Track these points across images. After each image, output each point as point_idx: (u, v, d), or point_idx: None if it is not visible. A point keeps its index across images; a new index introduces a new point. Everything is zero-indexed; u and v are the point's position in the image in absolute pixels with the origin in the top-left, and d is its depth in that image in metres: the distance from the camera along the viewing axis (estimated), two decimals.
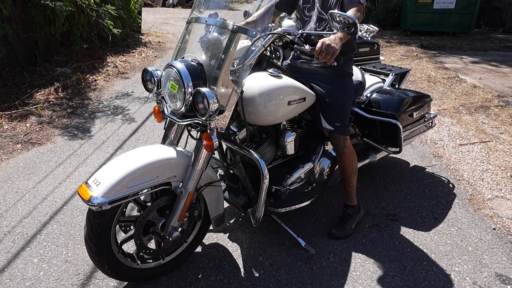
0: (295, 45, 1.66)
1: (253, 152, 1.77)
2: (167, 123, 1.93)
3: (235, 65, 1.71)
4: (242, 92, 1.70)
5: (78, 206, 2.42)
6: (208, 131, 1.60)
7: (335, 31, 1.62)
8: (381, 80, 2.72)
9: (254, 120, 1.86)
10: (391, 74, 2.76)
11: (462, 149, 3.34)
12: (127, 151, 1.69)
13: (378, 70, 2.87)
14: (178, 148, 1.77)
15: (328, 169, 2.26)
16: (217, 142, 1.59)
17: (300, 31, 1.70)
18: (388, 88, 2.66)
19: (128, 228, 1.82)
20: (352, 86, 2.17)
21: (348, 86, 2.14)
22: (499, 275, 1.95)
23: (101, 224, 1.59)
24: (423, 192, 2.69)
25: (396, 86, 2.88)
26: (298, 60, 2.19)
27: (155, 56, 6.71)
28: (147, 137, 3.49)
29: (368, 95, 2.50)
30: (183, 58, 1.71)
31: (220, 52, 1.62)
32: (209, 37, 1.70)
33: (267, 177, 1.76)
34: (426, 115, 2.73)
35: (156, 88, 1.79)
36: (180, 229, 1.78)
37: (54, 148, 3.20)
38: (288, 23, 2.80)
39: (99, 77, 5.17)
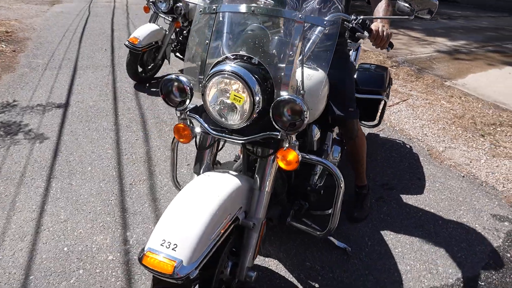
0: (357, 33, 1.49)
1: (325, 161, 1.57)
2: (198, 144, 1.54)
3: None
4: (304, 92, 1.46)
5: (50, 268, 1.80)
6: (287, 146, 1.34)
7: (406, 16, 1.51)
8: None
9: None
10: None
11: (393, 109, 3.73)
12: (178, 194, 1.29)
13: None
14: (231, 172, 1.44)
15: (339, 156, 2.22)
16: (300, 156, 1.35)
17: (355, 16, 1.52)
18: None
19: None
20: (354, 68, 2.13)
21: (352, 68, 2.10)
22: (493, 215, 2.28)
23: None
24: (392, 156, 2.92)
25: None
26: None
27: (14, 51, 5.32)
28: (78, 156, 2.78)
29: None
30: (230, 58, 1.34)
31: (284, 47, 1.34)
32: (257, 30, 1.37)
33: (343, 182, 1.59)
34: None
35: (189, 100, 1.39)
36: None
37: None
38: None
39: None
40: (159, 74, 4.50)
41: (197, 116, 1.44)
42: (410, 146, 3.06)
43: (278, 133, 1.31)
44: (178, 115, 1.43)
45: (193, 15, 4.27)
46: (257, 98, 1.27)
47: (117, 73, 4.58)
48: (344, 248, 1.99)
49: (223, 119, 1.34)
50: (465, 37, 6.73)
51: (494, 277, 1.86)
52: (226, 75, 1.27)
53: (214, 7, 1.42)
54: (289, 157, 1.32)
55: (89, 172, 2.60)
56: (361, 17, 1.50)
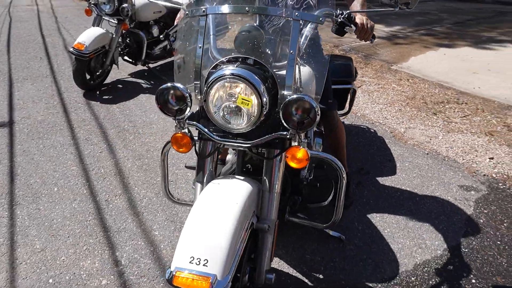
0: (346, 27, 1.51)
1: (329, 155, 1.59)
2: (200, 152, 1.47)
3: None
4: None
5: None
6: (296, 144, 1.33)
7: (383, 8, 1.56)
8: None
9: None
10: None
11: None
12: (194, 207, 1.23)
13: None
14: (238, 177, 1.41)
15: (321, 148, 2.27)
16: (309, 153, 1.35)
17: (341, 11, 1.54)
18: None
19: None
20: (327, 60, 2.17)
21: (327, 59, 2.13)
22: (461, 186, 2.49)
23: None
24: (360, 142, 3.04)
25: None
26: None
27: None
28: (39, 177, 2.54)
29: None
30: (224, 61, 1.30)
31: (281, 45, 1.33)
32: (253, 31, 1.35)
33: (345, 173, 1.62)
34: None
35: (189, 108, 1.33)
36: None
37: None
38: None
39: None
40: (108, 80, 4.26)
41: (196, 123, 1.38)
42: (374, 130, 3.21)
43: (286, 133, 1.30)
44: (176, 124, 1.37)
45: (140, 16, 4.07)
46: (264, 99, 1.25)
47: (60, 83, 4.25)
48: (338, 237, 2.04)
49: (229, 124, 1.31)
50: (399, 23, 7.19)
51: (474, 242, 2.03)
52: (228, 79, 1.23)
53: (204, 9, 1.36)
54: (299, 155, 1.32)
55: (56, 193, 2.39)
56: (347, 11, 1.53)
